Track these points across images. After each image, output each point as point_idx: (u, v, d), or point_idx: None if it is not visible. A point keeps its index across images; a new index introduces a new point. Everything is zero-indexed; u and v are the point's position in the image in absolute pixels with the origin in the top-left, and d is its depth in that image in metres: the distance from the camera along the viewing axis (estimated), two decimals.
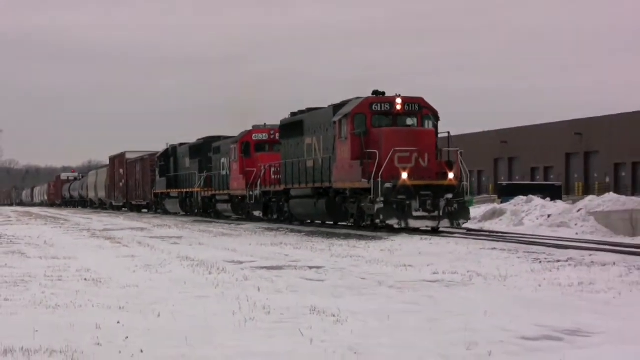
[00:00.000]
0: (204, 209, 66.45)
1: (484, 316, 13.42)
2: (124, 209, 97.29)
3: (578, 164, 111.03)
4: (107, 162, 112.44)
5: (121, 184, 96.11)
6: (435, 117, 37.97)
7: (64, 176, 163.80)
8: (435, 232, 35.19)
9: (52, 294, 16.73)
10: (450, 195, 35.20)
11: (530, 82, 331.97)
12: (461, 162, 36.63)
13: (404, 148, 35.57)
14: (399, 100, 37.37)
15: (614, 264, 21.15)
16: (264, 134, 54.75)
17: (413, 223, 34.83)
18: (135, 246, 31.92)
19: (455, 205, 35.24)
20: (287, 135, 47.97)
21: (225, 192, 59.18)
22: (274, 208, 51.40)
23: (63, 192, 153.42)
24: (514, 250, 25.94)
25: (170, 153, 76.21)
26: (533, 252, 24.96)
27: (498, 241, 30.23)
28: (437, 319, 13.23)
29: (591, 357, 10.20)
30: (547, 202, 45.84)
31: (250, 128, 55.74)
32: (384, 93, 38.23)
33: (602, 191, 77.25)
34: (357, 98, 38.74)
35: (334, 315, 13.56)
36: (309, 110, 46.20)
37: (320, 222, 46.72)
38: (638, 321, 12.93)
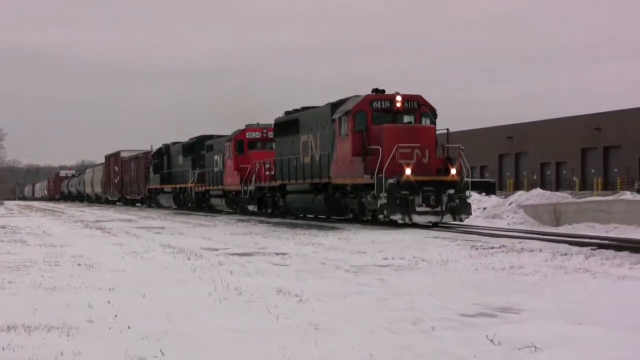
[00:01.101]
0: (197, 203, 63.73)
1: (428, 296, 13.43)
2: (118, 203, 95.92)
3: (509, 163, 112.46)
4: (99, 161, 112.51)
5: (116, 180, 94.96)
6: (433, 114, 35.19)
7: (62, 173, 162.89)
8: (436, 226, 32.52)
9: (50, 277, 16.65)
10: (452, 191, 32.53)
11: (474, 94, 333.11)
12: (462, 158, 33.82)
13: (407, 144, 32.83)
14: (398, 98, 34.57)
15: (540, 250, 21.24)
16: (257, 133, 52.16)
17: (416, 218, 32.13)
18: (123, 235, 31.80)
19: (457, 201, 32.63)
20: (282, 133, 44.85)
21: (219, 187, 56.35)
22: (268, 202, 48.40)
23: (62, 188, 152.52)
24: (454, 239, 26.00)
25: (164, 151, 73.79)
26: (470, 240, 25.03)
27: (440, 231, 30.31)
28: (387, 299, 13.24)
29: (520, 331, 10.23)
30: (482, 196, 46.11)
31: (243, 127, 53.30)
32: (383, 91, 35.45)
33: (530, 187, 77.86)
34: (356, 96, 35.96)
35: (297, 296, 13.55)
36: (304, 109, 43.09)
37: (315, 216, 43.59)
38: (561, 300, 12.99)
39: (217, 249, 23.80)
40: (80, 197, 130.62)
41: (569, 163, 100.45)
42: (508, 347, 9.41)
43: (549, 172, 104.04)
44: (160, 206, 74.80)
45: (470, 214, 33.95)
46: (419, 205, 32.00)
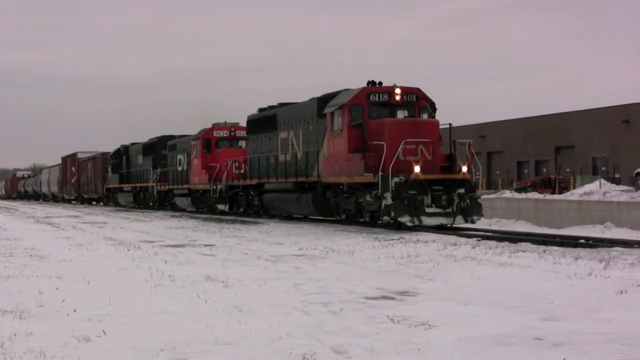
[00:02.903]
0: (159, 202, 57.42)
1: (337, 281, 13.47)
2: (74, 201, 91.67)
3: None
4: (50, 164, 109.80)
5: (73, 180, 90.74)
6: (432, 107, 29.21)
7: (19, 174, 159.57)
8: (444, 228, 26.59)
9: (5, 267, 16.42)
10: (462, 190, 26.54)
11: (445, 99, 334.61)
12: (472, 154, 27.74)
13: (412, 140, 26.76)
14: (397, 91, 28.60)
15: (434, 241, 21.42)
16: (225, 131, 46.20)
17: (426, 220, 26.02)
18: (70, 229, 31.42)
19: (468, 201, 26.60)
20: (257, 131, 38.62)
21: (185, 186, 49.93)
22: (241, 202, 41.94)
23: (19, 188, 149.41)
24: (360, 232, 26.12)
25: (123, 152, 67.26)
26: (374, 234, 25.14)
27: (348, 225, 30.34)
28: (301, 284, 13.25)
29: (416, 310, 10.31)
30: None
31: (210, 126, 47.26)
32: (380, 83, 29.31)
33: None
34: (347, 90, 30.01)
35: (223, 282, 13.51)
36: (282, 105, 36.98)
37: (304, 217, 36.37)
38: (451, 284, 13.11)
39: (153, 242, 23.67)
40: (36, 197, 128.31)
41: None
42: (406, 325, 9.48)
43: (497, 172, 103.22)
44: (119, 205, 69.52)
45: (482, 215, 27.52)
46: (428, 206, 26.17)
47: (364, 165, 27.10)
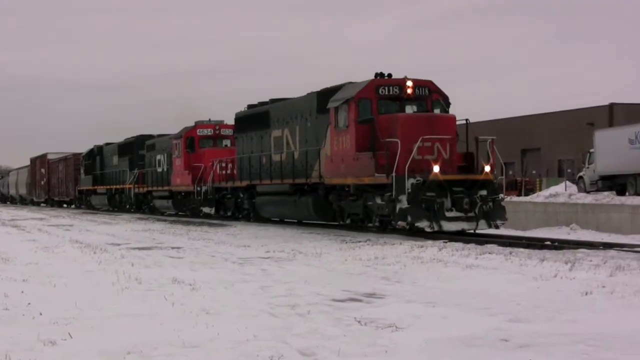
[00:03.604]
0: (137, 205, 54.27)
1: (304, 284, 13.48)
2: (43, 204, 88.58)
3: None
4: (15, 166, 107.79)
5: (42, 182, 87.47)
6: (445, 102, 26.47)
7: None
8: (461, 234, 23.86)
9: None
10: (484, 192, 23.89)
11: None
12: (496, 153, 25.06)
13: (430, 137, 24.17)
14: (409, 83, 25.86)
15: (401, 243, 21.47)
16: (209, 129, 43.18)
17: (446, 225, 23.39)
18: (36, 232, 31.22)
19: (491, 204, 23.91)
20: (246, 129, 35.72)
21: (165, 188, 46.73)
22: (228, 205, 38.86)
23: None
24: (327, 234, 26.14)
25: (96, 152, 64.00)
26: (341, 236, 25.17)
27: (315, 226, 30.37)
28: (268, 286, 13.25)
29: (383, 312, 10.34)
30: None
31: (192, 124, 44.38)
32: (390, 75, 26.42)
33: None
34: (351, 83, 27.40)
35: (190, 285, 13.47)
36: (274, 101, 34.13)
37: (298, 221, 33.28)
38: (418, 286, 13.15)
39: (119, 244, 23.56)
40: (3, 199, 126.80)
41: None
42: (373, 327, 9.50)
43: None
44: (92, 207, 66.17)
45: (506, 219, 24.74)
46: (448, 210, 23.59)
47: (374, 164, 24.53)
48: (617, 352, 8.07)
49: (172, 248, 21.78)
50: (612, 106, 68.55)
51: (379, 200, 24.88)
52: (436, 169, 23.47)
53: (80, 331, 9.47)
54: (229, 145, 42.16)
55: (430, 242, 21.70)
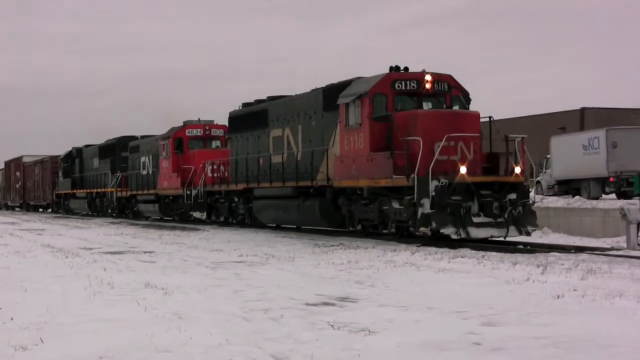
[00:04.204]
0: (119, 210, 51.73)
1: (277, 288, 13.46)
2: (17, 209, 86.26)
3: None
4: None
5: (17, 186, 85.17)
6: (465, 98, 24.56)
7: None
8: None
9: None
10: (513, 195, 22.04)
11: None
12: (526, 152, 23.40)
13: (455, 135, 22.19)
14: (428, 77, 23.91)
15: (374, 247, 21.51)
16: (199, 130, 41.12)
17: (474, 232, 21.37)
18: (7, 236, 31.04)
19: (520, 208, 22.09)
20: (241, 128, 33.63)
21: (151, 192, 44.18)
22: (221, 209, 36.37)
23: None
24: (300, 238, 26.14)
25: (75, 154, 61.53)
26: (314, 239, 25.18)
27: (288, 230, 30.33)
28: (241, 291, 13.22)
29: (356, 316, 10.34)
30: None
31: (181, 124, 42.18)
32: (407, 69, 24.39)
33: None
34: (361, 78, 25.39)
35: (163, 289, 13.43)
36: (273, 98, 31.97)
37: (298, 227, 31.57)
38: (391, 289, 13.16)
39: (92, 249, 23.46)
40: None
41: None
42: (346, 331, 9.50)
43: None
44: (70, 212, 63.61)
45: (537, 225, 23.03)
46: (476, 215, 21.67)
47: (392, 165, 22.51)
48: (588, 354, 8.11)
49: (145, 252, 21.71)
50: (583, 111, 68.95)
51: (396, 205, 22.94)
52: (463, 170, 21.66)
53: (51, 336, 9.41)
54: (219, 146, 40.69)
55: (403, 246, 21.76)
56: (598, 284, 13.21)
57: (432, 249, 20.39)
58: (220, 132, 41.05)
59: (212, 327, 9.79)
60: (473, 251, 19.63)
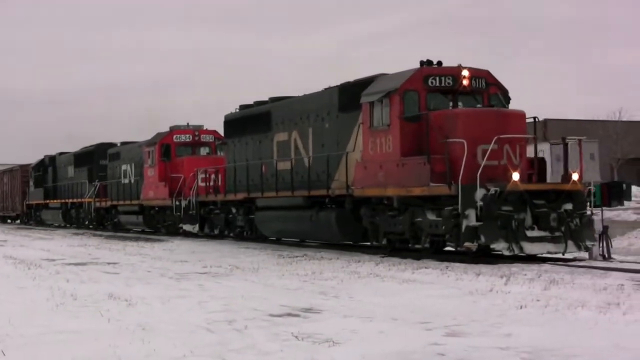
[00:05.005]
0: (98, 221, 48.44)
1: (241, 299, 13.43)
2: None
3: None
4: None
5: None
6: (505, 97, 21.93)
7: None
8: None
9: None
10: (569, 206, 19.54)
11: None
12: (582, 156, 20.92)
13: (505, 136, 19.70)
14: (465, 73, 21.31)
15: (338, 258, 21.52)
16: (187, 135, 38.22)
17: (529, 248, 18.80)
18: None
19: (578, 220, 19.56)
20: (239, 133, 30.71)
21: (134, 202, 41.09)
22: (216, 221, 33.14)
23: None
24: (264, 249, 26.10)
25: (48, 163, 58.40)
26: (278, 250, 25.15)
27: (252, 242, 30.25)
28: (205, 302, 13.17)
29: (320, 327, 10.33)
30: None
31: (168, 130, 39.25)
32: (440, 63, 21.80)
33: None
34: (384, 74, 22.85)
35: (126, 300, 13.35)
36: (276, 99, 29.22)
37: (302, 241, 29.06)
38: (355, 300, 13.17)
39: (54, 260, 23.29)
40: None
41: None
42: (310, 342, 9.49)
43: None
44: (42, 223, 60.07)
45: (596, 239, 20.29)
46: (529, 228, 19.03)
47: (429, 171, 19.90)
48: None
49: (108, 264, 21.59)
50: (546, 122, 69.44)
51: (431, 216, 20.36)
52: (516, 176, 19.08)
53: (14, 348, 9.32)
54: (210, 152, 38.31)
55: (367, 257, 21.78)
56: (560, 294, 13.29)
57: (396, 260, 20.43)
58: (210, 138, 38.58)
59: (176, 338, 9.75)
60: (436, 262, 19.67)
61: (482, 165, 19.01)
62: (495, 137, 19.38)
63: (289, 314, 11.78)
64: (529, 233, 18.92)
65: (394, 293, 14.06)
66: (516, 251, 18.75)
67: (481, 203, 18.86)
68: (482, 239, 18.76)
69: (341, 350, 8.97)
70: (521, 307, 11.95)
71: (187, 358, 8.66)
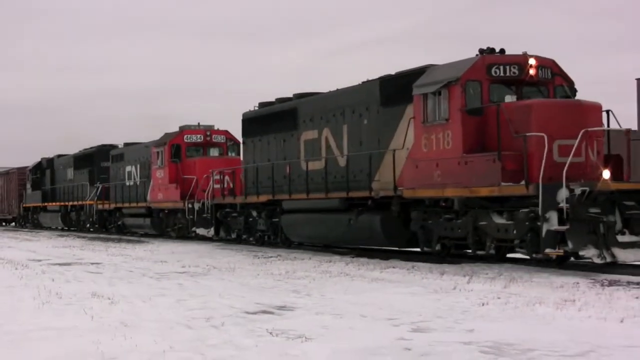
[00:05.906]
0: (100, 224, 45.20)
1: (219, 297, 13.40)
2: None
3: None
4: None
5: None
6: (571, 88, 18.98)
7: None
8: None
9: None
10: None
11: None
12: None
13: (593, 129, 16.94)
14: (532, 62, 18.44)
15: (310, 258, 21.54)
16: (199, 135, 35.26)
17: (622, 255, 15.64)
18: None
19: None
20: (260, 131, 27.62)
21: (142, 204, 37.77)
22: (233, 225, 29.51)
23: None
24: (240, 249, 26.05)
25: (46, 165, 55.23)
26: (253, 251, 25.11)
27: (229, 243, 30.18)
28: (184, 300, 13.14)
29: (293, 324, 10.33)
30: None
31: (167, 132, 36.86)
32: (503, 51, 18.92)
33: None
34: (431, 66, 20.00)
35: (109, 299, 13.30)
36: (302, 95, 26.02)
37: (336, 246, 25.18)
38: (327, 298, 13.17)
39: (40, 260, 23.17)
40: None
41: None
42: (284, 338, 9.48)
43: None
44: (40, 227, 56.57)
45: None
46: (620, 232, 15.98)
47: (500, 169, 17.03)
48: (510, 358, 8.19)
49: (92, 264, 21.49)
50: None
51: (498, 219, 17.57)
52: (606, 174, 16.18)
53: (1, 344, 9.26)
54: (221, 153, 35.47)
55: (337, 257, 21.80)
56: (520, 292, 13.36)
57: (365, 260, 20.46)
58: (221, 139, 35.77)
59: (156, 334, 9.71)
60: (403, 262, 19.71)
61: (567, 163, 15.96)
62: (583, 131, 16.45)
63: (264, 312, 11.76)
64: (620, 238, 15.90)
65: (363, 291, 14.07)
66: (608, 259, 15.70)
67: (566, 205, 15.80)
68: (570, 245, 15.70)
69: (313, 346, 8.97)
70: (483, 305, 12.00)
71: (167, 353, 8.63)
